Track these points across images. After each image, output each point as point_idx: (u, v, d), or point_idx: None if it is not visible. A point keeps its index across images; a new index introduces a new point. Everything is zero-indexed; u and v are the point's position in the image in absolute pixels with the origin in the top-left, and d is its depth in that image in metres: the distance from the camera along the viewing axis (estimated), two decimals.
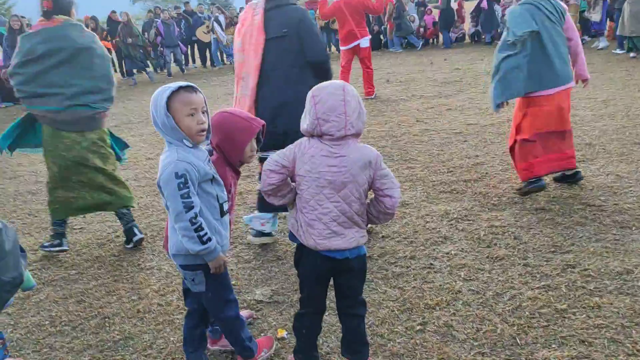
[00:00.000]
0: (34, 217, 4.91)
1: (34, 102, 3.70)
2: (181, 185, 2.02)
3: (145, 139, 7.64)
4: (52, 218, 3.99)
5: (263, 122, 2.39)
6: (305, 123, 2.12)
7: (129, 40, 13.92)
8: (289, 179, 2.19)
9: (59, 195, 3.87)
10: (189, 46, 16.56)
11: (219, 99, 10.08)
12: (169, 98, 2.06)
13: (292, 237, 2.27)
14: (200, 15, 16.58)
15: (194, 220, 2.04)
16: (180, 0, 20.07)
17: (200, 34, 16.07)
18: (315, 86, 2.12)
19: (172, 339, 2.83)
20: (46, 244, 3.97)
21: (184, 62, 16.18)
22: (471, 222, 3.86)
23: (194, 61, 17.25)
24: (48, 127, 3.75)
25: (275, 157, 2.16)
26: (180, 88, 2.09)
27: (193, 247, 2.08)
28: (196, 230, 2.05)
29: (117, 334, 2.92)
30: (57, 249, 3.94)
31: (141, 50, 14.35)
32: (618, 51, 10.96)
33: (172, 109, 2.06)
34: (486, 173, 4.80)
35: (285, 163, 2.14)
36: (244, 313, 2.89)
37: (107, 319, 3.08)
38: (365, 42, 8.85)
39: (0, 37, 12.05)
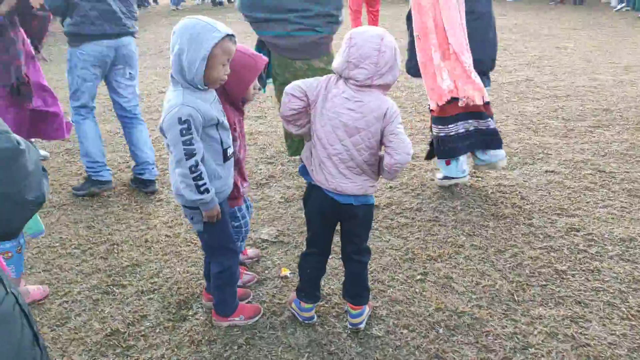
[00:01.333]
0: (47, 141, 4.94)
1: (260, 27, 3.48)
2: (184, 131, 1.96)
3: (158, 72, 7.59)
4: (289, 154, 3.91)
5: (267, 59, 2.32)
6: (336, 62, 2.10)
7: None
8: (307, 108, 2.18)
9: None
10: None
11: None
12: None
13: (303, 171, 2.29)
14: None
15: (194, 169, 2.01)
16: None
17: None
18: (355, 29, 2.10)
19: (178, 269, 2.91)
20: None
21: None
22: (479, 179, 3.87)
23: None
24: (276, 56, 3.50)
25: (300, 84, 2.14)
26: (227, 35, 1.98)
27: (189, 195, 2.06)
28: (195, 179, 2.02)
29: (125, 261, 3.00)
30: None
31: None
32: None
33: (211, 56, 1.96)
34: (500, 131, 4.76)
35: (308, 92, 2.13)
36: (251, 252, 2.96)
37: (115, 246, 3.16)
38: None
39: None
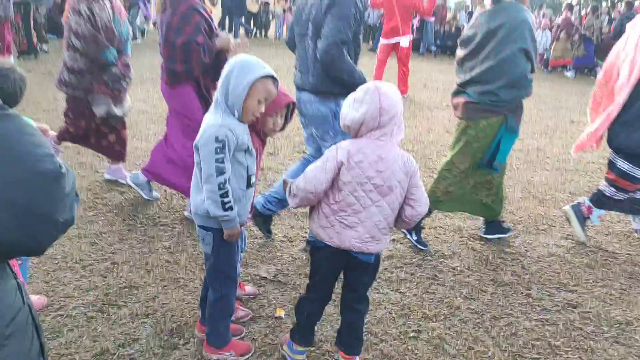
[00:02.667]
0: (61, 152, 5.01)
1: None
2: (218, 150, 2.09)
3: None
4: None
5: (292, 99, 2.40)
6: (357, 112, 2.14)
7: None
8: None
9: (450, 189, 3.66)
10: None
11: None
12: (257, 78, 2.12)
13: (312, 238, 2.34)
14: None
15: (222, 186, 2.11)
16: None
17: (251, 4, 16.13)
18: (376, 83, 2.17)
19: (174, 296, 2.92)
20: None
21: None
22: (482, 243, 3.90)
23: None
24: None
25: (320, 177, 2.16)
26: (271, 76, 2.16)
27: (214, 211, 2.15)
28: (221, 196, 2.12)
29: (124, 281, 3.01)
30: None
31: None
32: None
33: (252, 87, 2.11)
34: (506, 197, 4.80)
35: (331, 177, 2.17)
36: (249, 289, 2.97)
37: (116, 265, 3.18)
38: (405, 41, 8.83)
39: None
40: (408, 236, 3.76)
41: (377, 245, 2.23)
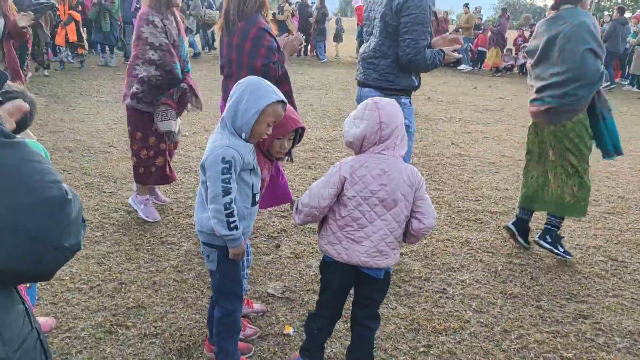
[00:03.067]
0: (68, 173, 5.05)
1: None
2: (225, 170, 2.11)
3: (183, 115, 7.77)
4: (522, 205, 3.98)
5: (302, 125, 2.44)
6: (358, 128, 2.17)
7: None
8: None
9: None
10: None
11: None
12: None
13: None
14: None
15: (227, 206, 2.13)
16: None
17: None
18: (376, 99, 2.21)
19: (182, 315, 2.91)
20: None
21: None
22: (491, 254, 3.87)
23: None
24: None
25: (323, 193, 2.19)
26: (281, 101, 2.19)
27: (220, 230, 2.16)
28: (227, 216, 2.14)
29: (132, 301, 3.01)
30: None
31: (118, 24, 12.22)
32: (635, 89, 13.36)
33: (263, 111, 2.14)
34: (513, 208, 4.79)
35: (335, 192, 2.19)
36: (257, 306, 2.96)
37: (123, 285, 3.18)
38: None
39: None
40: (555, 250, 3.76)
41: (385, 259, 2.22)
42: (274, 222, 4.22)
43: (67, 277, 3.23)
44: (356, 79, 3.65)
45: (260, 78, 2.25)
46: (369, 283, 2.28)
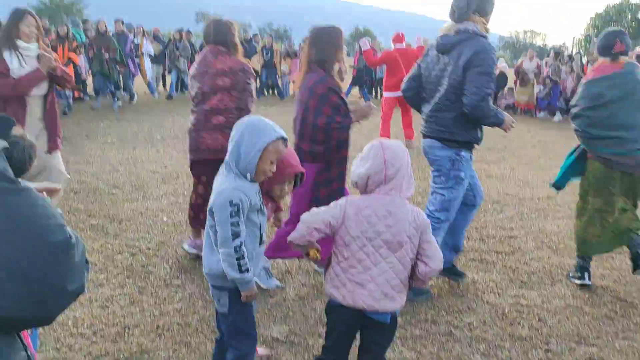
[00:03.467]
0: (73, 215, 5.07)
1: (594, 144, 3.86)
2: (233, 213, 2.12)
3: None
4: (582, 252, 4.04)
5: (300, 171, 2.46)
6: (363, 167, 2.18)
7: (106, 55, 11.57)
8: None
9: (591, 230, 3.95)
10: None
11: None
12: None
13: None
14: (255, 44, 16.98)
15: (238, 249, 2.14)
16: (241, 26, 20.79)
17: (254, 62, 16.50)
18: (382, 141, 2.24)
19: None
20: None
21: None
22: (497, 295, 3.83)
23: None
24: (599, 164, 3.87)
25: (323, 216, 2.20)
26: (281, 138, 2.21)
27: (231, 274, 2.16)
28: (238, 259, 2.14)
29: (135, 346, 2.98)
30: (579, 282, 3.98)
31: (118, 69, 12.29)
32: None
33: (265, 150, 2.16)
34: (519, 247, 4.77)
35: (333, 222, 2.19)
36: (261, 350, 2.92)
37: (127, 329, 3.15)
38: None
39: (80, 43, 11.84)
40: (586, 281, 3.91)
41: (391, 303, 2.20)
42: (277, 263, 4.20)
43: (70, 322, 3.20)
44: (420, 132, 3.79)
45: (260, 117, 2.28)
46: (375, 327, 2.26)
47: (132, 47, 13.35)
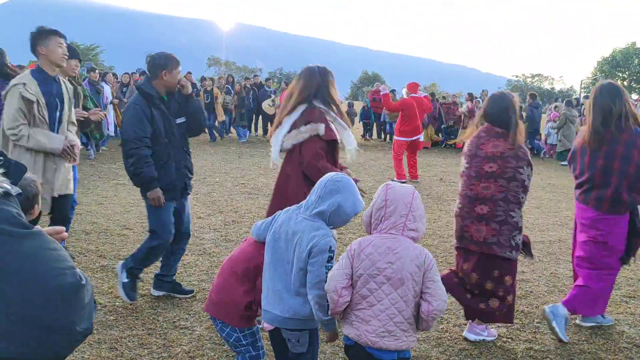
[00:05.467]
0: (84, 256, 5.09)
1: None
2: (329, 259, 2.27)
3: (199, 197, 7.91)
4: None
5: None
6: (368, 212, 2.30)
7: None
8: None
9: None
10: (254, 115, 17.18)
11: None
12: None
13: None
14: (267, 89, 17.30)
15: (326, 292, 2.25)
16: (252, 71, 21.21)
17: (266, 106, 16.76)
18: (390, 184, 2.33)
19: None
20: None
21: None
22: (509, 340, 3.77)
23: (256, 130, 17.95)
24: None
25: (338, 272, 2.24)
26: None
27: (322, 315, 2.28)
28: (327, 301, 2.26)
29: None
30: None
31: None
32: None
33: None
34: (531, 291, 4.71)
35: (348, 272, 2.24)
36: None
37: None
38: (422, 136, 10.44)
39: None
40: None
41: (395, 341, 2.20)
42: None
43: None
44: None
45: (344, 175, 2.48)
46: None
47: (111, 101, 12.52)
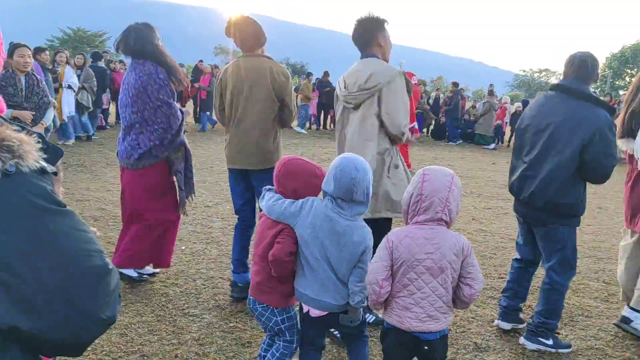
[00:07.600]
0: None
1: None
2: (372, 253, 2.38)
3: (207, 186, 7.92)
4: None
5: None
6: (407, 193, 2.31)
7: None
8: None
9: None
10: None
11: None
12: None
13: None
14: None
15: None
16: None
17: None
18: (427, 167, 2.32)
19: None
20: None
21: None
22: (517, 334, 3.78)
23: None
24: None
25: (378, 265, 2.27)
26: None
27: (362, 301, 2.41)
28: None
29: None
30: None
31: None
32: None
33: None
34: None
35: (387, 264, 2.27)
36: None
37: (145, 357, 3.15)
38: (415, 124, 10.12)
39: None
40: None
41: (436, 324, 2.26)
42: None
43: (89, 349, 3.21)
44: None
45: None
46: (425, 348, 2.31)
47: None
